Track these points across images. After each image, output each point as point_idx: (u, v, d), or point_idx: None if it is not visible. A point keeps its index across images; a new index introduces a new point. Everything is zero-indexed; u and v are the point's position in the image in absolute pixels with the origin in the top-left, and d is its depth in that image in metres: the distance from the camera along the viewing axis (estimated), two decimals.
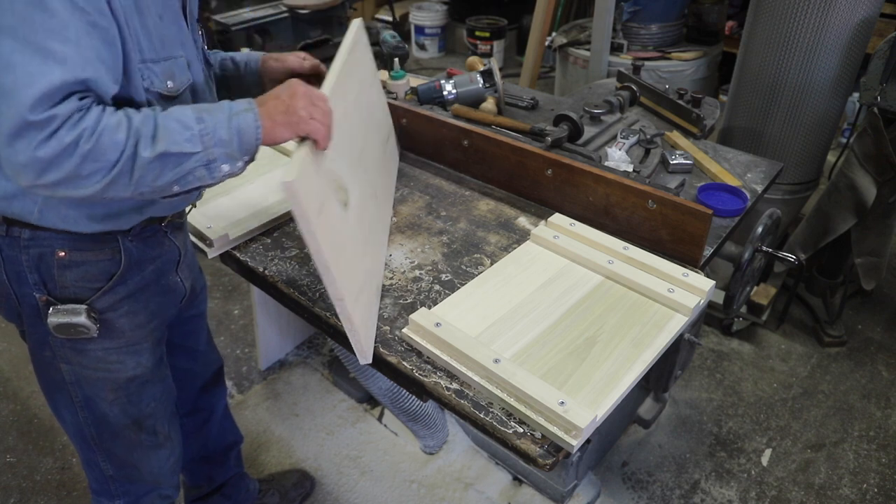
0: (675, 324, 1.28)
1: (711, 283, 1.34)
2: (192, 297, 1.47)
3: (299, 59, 1.45)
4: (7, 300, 1.20)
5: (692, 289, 1.33)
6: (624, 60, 3.43)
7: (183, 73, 1.14)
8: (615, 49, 3.54)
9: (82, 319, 1.16)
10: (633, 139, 1.88)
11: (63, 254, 1.14)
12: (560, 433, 1.05)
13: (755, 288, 2.55)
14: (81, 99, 0.93)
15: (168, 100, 1.11)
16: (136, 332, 1.27)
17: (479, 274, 1.43)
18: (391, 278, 1.43)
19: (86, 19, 0.93)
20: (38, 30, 0.90)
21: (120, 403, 1.31)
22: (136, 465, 1.41)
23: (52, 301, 1.16)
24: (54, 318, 1.15)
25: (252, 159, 1.10)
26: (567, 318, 1.30)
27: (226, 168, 1.05)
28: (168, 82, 1.10)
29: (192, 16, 1.21)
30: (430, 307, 1.33)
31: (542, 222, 1.57)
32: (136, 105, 1.06)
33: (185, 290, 1.38)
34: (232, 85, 1.45)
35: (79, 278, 1.17)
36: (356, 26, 1.51)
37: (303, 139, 1.11)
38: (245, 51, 1.50)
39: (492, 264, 1.46)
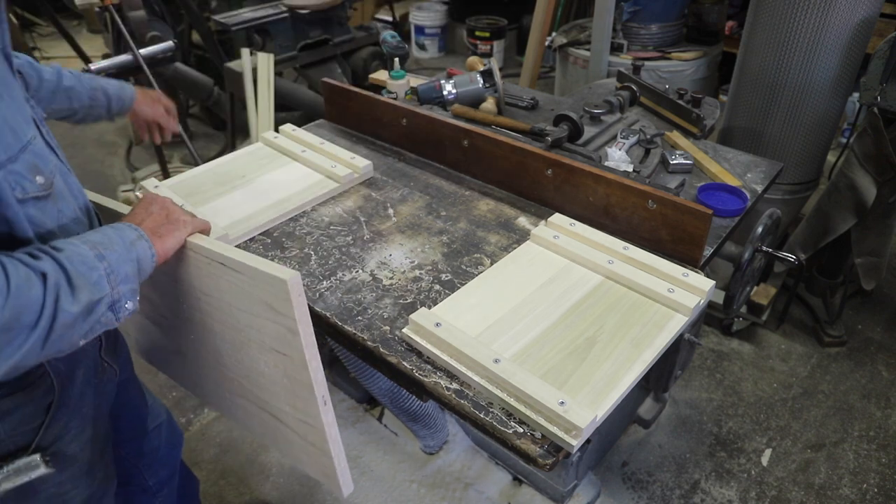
0: (675, 324, 1.28)
1: (711, 283, 1.34)
2: (122, 371, 1.31)
3: (163, 110, 1.53)
4: None
5: (692, 289, 1.33)
6: (624, 60, 3.44)
7: (45, 158, 0.96)
8: (615, 49, 3.54)
9: (42, 471, 1.00)
10: (633, 139, 1.88)
11: None
12: (560, 433, 1.05)
13: (755, 288, 2.55)
14: None
15: (44, 200, 0.94)
16: (86, 450, 1.13)
17: (479, 274, 1.43)
18: (391, 278, 1.43)
19: None
20: None
21: None
22: None
23: None
24: (7, 483, 0.97)
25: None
26: (567, 318, 1.30)
27: (129, 306, 0.92)
28: (37, 178, 0.91)
29: (12, 61, 0.97)
30: (430, 307, 1.33)
31: (542, 222, 1.57)
32: (14, 232, 0.89)
33: (116, 369, 1.22)
34: (86, 113, 1.38)
35: (15, 426, 0.99)
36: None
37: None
38: (117, 83, 1.44)
39: (492, 264, 1.46)
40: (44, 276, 0.80)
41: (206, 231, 1.08)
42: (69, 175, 1.06)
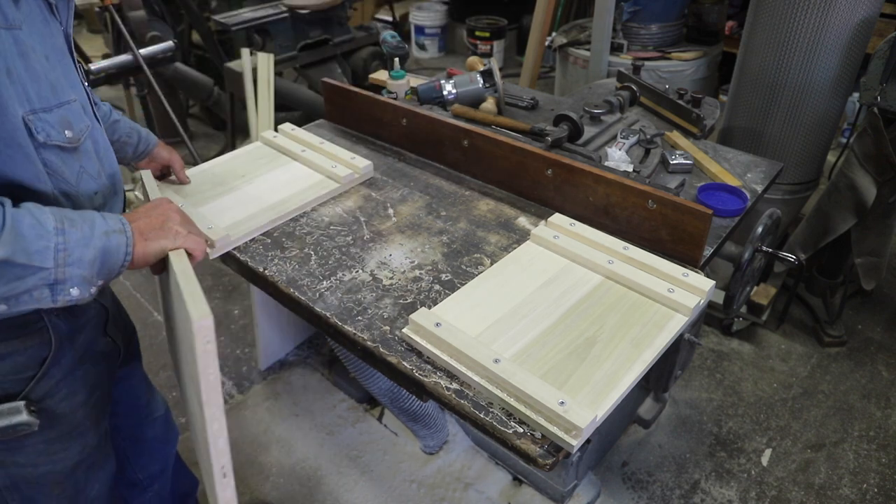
0: (675, 324, 1.28)
1: (711, 283, 1.34)
2: (127, 354, 1.36)
3: (178, 156, 1.60)
4: None
5: (692, 289, 1.33)
6: (624, 60, 3.44)
7: (80, 120, 1.03)
8: (615, 49, 3.54)
9: (24, 418, 1.03)
10: (633, 139, 1.88)
11: None
12: (560, 433, 1.05)
13: (755, 288, 2.55)
14: None
15: (68, 152, 1.00)
16: (77, 413, 1.15)
17: (479, 274, 1.43)
18: (391, 278, 1.43)
19: None
20: None
21: (67, 496, 1.19)
22: None
23: None
24: None
25: (105, 286, 0.99)
26: (567, 318, 1.30)
27: (74, 293, 0.90)
28: (66, 132, 0.98)
29: (74, 53, 1.10)
30: (430, 307, 1.33)
31: (542, 222, 1.57)
32: (31, 173, 0.94)
33: (120, 348, 1.28)
34: (117, 148, 1.42)
35: (7, 372, 1.03)
36: None
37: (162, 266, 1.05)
38: (138, 130, 1.53)
39: (492, 264, 1.46)
40: None
41: (197, 251, 1.07)
42: (102, 142, 1.12)
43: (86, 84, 1.13)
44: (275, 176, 1.77)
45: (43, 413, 1.08)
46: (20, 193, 0.94)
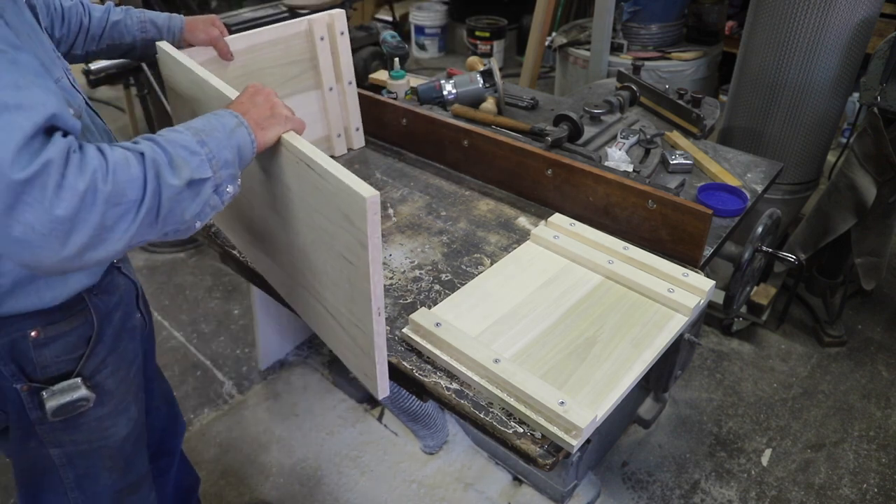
0: (675, 324, 1.28)
1: (711, 283, 1.34)
2: (148, 331, 1.41)
3: (218, 33, 1.48)
4: None
5: (692, 289, 1.33)
6: (624, 60, 3.43)
7: (73, 95, 1.05)
8: (615, 49, 3.54)
9: (83, 392, 1.10)
10: (633, 139, 1.88)
11: (36, 333, 1.05)
12: (560, 433, 1.05)
13: (755, 288, 2.55)
14: (66, 137, 0.78)
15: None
16: (121, 387, 1.21)
17: (479, 274, 1.43)
18: (391, 278, 1.43)
19: (5, 58, 0.79)
20: None
21: (117, 469, 1.25)
22: None
23: (36, 387, 1.08)
24: (53, 401, 1.07)
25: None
26: (567, 318, 1.30)
27: (230, 190, 0.97)
28: (69, 109, 0.95)
29: (41, 20, 1.10)
30: (430, 307, 1.33)
31: (542, 222, 1.57)
32: None
33: (147, 322, 1.33)
34: (144, 47, 1.41)
35: (58, 353, 1.09)
36: None
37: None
38: (165, 14, 1.45)
39: (492, 264, 1.46)
40: (142, 155, 0.83)
41: (301, 130, 1.10)
42: (95, 116, 1.15)
43: (55, 49, 1.11)
44: None
45: (95, 389, 1.13)
46: None
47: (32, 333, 1.05)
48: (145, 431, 1.34)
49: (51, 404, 1.07)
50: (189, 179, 0.87)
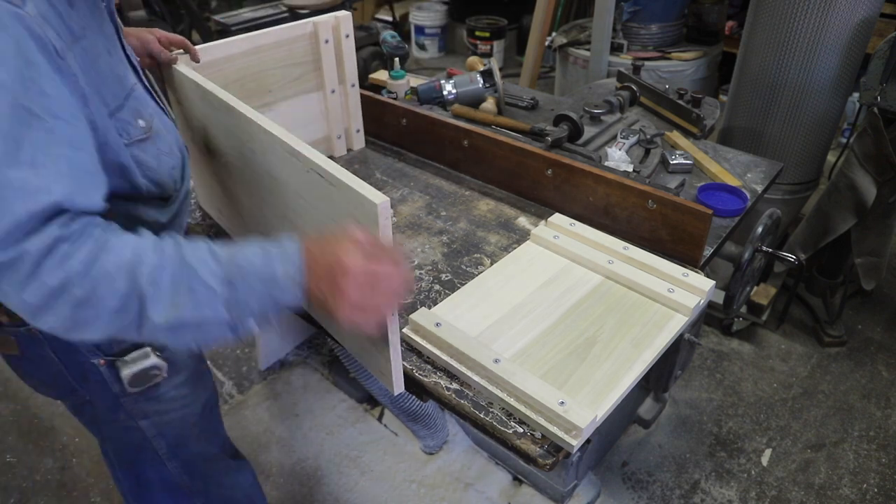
0: (675, 324, 1.28)
1: (711, 283, 1.34)
2: None
3: (157, 44, 1.33)
4: (57, 378, 1.10)
5: (692, 289, 1.33)
6: (624, 60, 3.43)
7: (146, 103, 1.04)
8: (615, 49, 3.54)
9: (154, 360, 1.11)
10: (633, 139, 1.88)
11: None
12: (560, 433, 1.05)
13: (755, 288, 2.55)
14: (64, 226, 0.76)
15: (147, 141, 1.01)
16: (190, 360, 1.23)
17: (479, 274, 1.43)
18: None
19: (41, 126, 0.76)
20: None
21: (205, 435, 1.30)
22: (234, 498, 1.39)
23: (111, 360, 1.09)
24: (127, 370, 1.09)
25: None
26: (567, 318, 1.30)
27: (251, 325, 0.89)
28: (139, 121, 0.98)
29: (116, 18, 1.06)
30: (430, 307, 1.33)
31: (542, 222, 1.57)
32: (127, 176, 0.96)
33: None
34: None
35: None
36: None
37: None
38: None
39: (492, 264, 1.46)
40: (132, 274, 0.78)
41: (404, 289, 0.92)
42: (164, 116, 1.13)
43: (127, 48, 1.08)
44: None
45: (165, 360, 1.14)
46: (121, 195, 0.96)
47: None
48: (216, 403, 1.37)
49: (125, 372, 1.08)
50: (175, 321, 0.80)
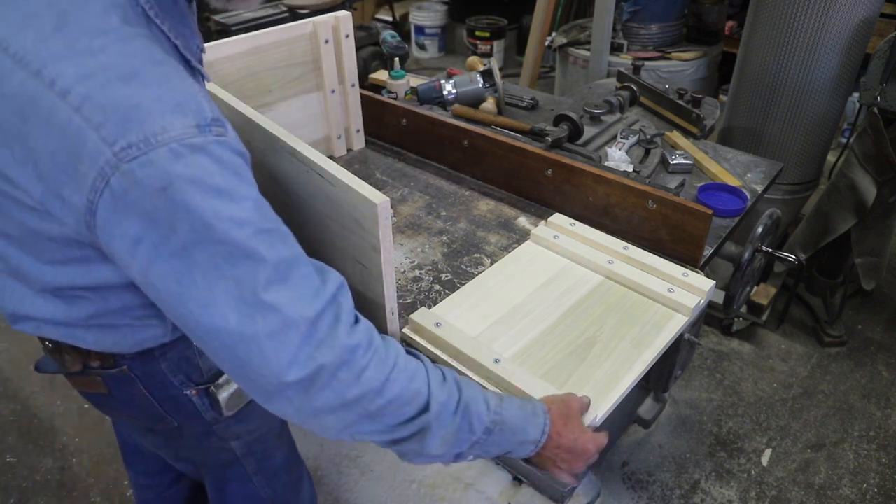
0: (675, 324, 1.28)
1: (711, 283, 1.34)
2: None
3: None
4: (147, 411, 1.09)
5: (692, 289, 1.33)
6: (624, 60, 3.43)
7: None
8: (615, 49, 3.54)
9: None
10: (633, 139, 1.88)
11: None
12: None
13: (755, 288, 2.55)
14: (352, 326, 0.80)
15: None
16: None
17: (479, 274, 1.43)
18: None
19: (279, 235, 0.78)
20: (258, 280, 0.74)
21: (284, 446, 1.32)
22: None
23: (203, 388, 1.09)
24: (223, 392, 1.09)
25: None
26: (567, 318, 1.30)
27: (470, 458, 0.93)
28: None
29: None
30: (430, 307, 1.33)
31: (542, 222, 1.57)
32: None
33: None
34: None
35: None
36: None
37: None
38: None
39: (492, 264, 1.46)
40: (426, 408, 0.84)
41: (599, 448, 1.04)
42: None
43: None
44: None
45: None
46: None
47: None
48: None
49: (222, 395, 1.09)
50: (441, 454, 0.87)
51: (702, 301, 1.33)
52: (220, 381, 1.09)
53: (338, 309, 0.80)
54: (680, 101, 2.07)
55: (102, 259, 0.81)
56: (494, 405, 0.92)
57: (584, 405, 1.05)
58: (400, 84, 2.25)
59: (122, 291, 0.87)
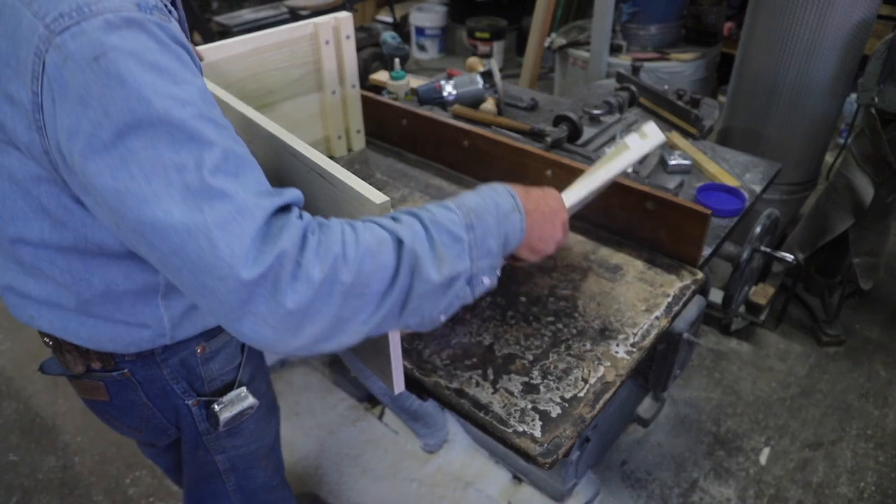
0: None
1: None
2: None
3: None
4: (149, 421, 1.09)
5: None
6: (623, 61, 3.44)
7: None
8: (614, 50, 3.55)
9: (251, 401, 1.10)
10: None
11: (201, 349, 1.05)
12: None
13: (754, 288, 2.56)
14: (300, 218, 0.71)
15: None
16: (267, 390, 1.25)
17: None
18: None
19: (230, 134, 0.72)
20: (207, 166, 0.66)
21: (270, 467, 1.30)
22: None
23: (205, 400, 1.08)
24: (226, 412, 1.07)
25: None
26: None
27: (486, 282, 0.86)
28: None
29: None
30: None
31: None
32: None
33: None
34: None
35: (222, 365, 1.09)
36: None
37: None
38: None
39: None
40: (399, 242, 0.75)
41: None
42: None
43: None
44: None
45: (255, 395, 1.14)
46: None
47: (198, 350, 1.04)
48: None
49: (224, 416, 1.07)
50: (448, 276, 0.78)
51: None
52: (226, 398, 1.08)
53: (294, 204, 0.73)
54: (679, 102, 2.08)
55: (76, 203, 0.77)
56: (452, 204, 0.85)
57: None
58: (400, 85, 2.25)
59: (104, 261, 0.85)
